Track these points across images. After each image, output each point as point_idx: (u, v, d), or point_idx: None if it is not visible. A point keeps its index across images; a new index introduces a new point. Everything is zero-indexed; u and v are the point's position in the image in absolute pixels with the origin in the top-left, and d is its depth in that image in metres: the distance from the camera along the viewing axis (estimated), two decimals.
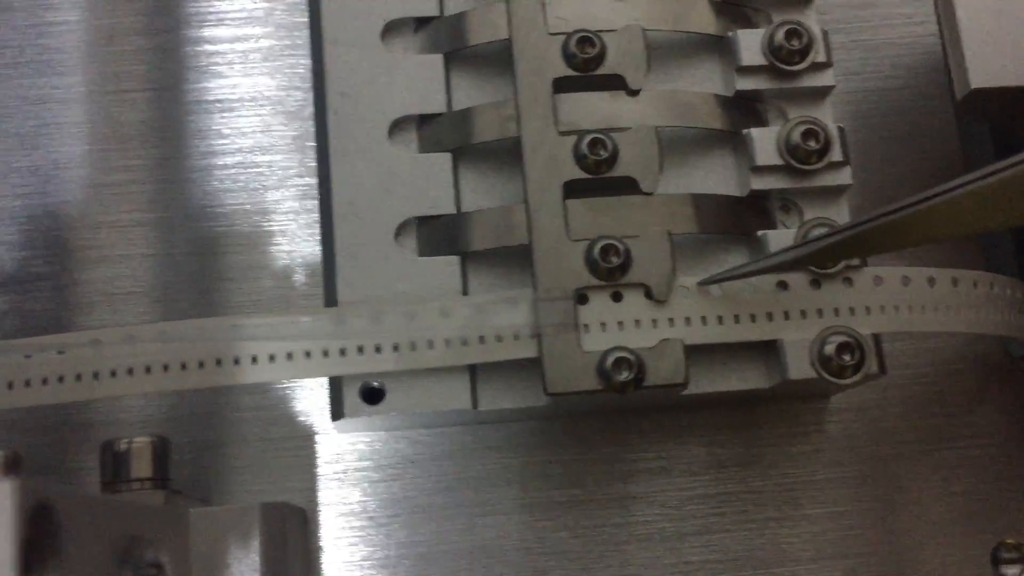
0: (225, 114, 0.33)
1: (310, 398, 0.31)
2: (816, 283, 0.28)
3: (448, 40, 0.30)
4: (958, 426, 0.32)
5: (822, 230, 0.28)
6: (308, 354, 0.27)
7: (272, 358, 0.27)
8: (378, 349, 0.27)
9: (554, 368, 0.27)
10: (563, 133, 0.28)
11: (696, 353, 0.28)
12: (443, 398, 0.28)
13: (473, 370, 0.28)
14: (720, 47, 0.30)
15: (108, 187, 0.32)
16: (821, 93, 0.30)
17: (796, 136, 0.28)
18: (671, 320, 0.28)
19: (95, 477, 0.28)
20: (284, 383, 0.31)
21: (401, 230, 0.28)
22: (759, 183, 0.29)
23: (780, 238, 0.29)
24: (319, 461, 0.31)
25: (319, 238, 0.32)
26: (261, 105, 0.33)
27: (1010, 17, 0.30)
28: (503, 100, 0.29)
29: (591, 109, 0.28)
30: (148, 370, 0.27)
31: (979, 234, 0.28)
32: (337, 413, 0.28)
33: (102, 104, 0.33)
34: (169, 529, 0.23)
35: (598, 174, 0.28)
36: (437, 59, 0.29)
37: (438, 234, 0.29)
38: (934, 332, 0.32)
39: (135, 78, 0.33)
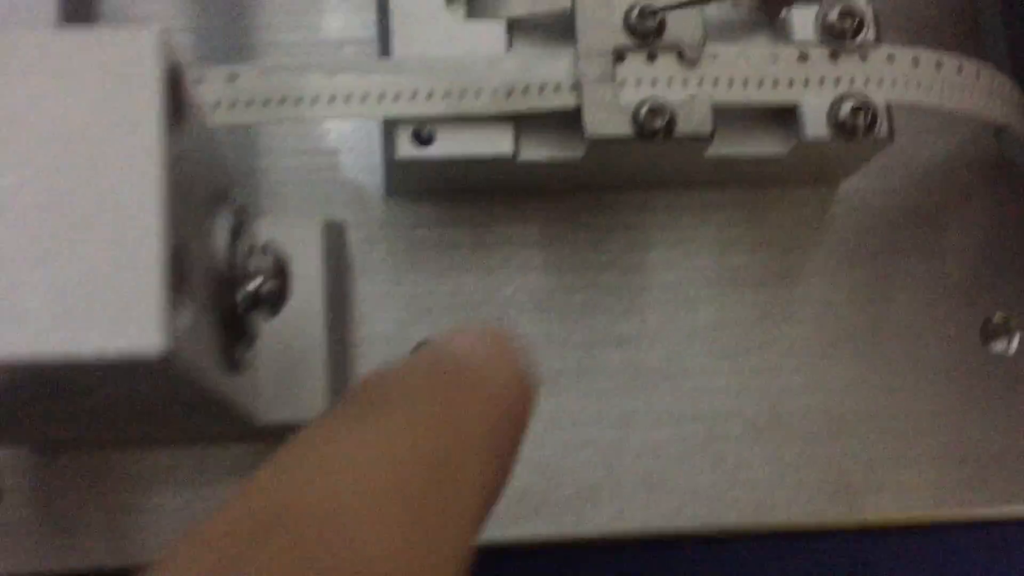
0: None
1: (351, 163, 0.33)
2: (834, 55, 0.31)
3: None
4: (952, 216, 0.35)
5: (840, 5, 0.31)
6: (364, 97, 0.29)
7: (332, 99, 0.29)
8: (430, 95, 0.30)
9: (592, 115, 0.29)
10: None
11: (721, 118, 0.30)
12: (488, 144, 0.30)
13: (517, 121, 0.30)
14: None
15: None
16: None
17: None
18: (700, 80, 0.30)
19: None
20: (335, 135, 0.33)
21: None
22: None
23: (801, 17, 0.31)
24: (362, 222, 0.33)
25: (368, 20, 0.34)
26: None
27: None
28: None
29: None
30: (217, 104, 0.29)
31: None
32: (391, 154, 0.30)
33: None
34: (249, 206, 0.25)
35: None
36: None
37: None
38: (931, 133, 0.35)
39: None
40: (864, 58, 0.31)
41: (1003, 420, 0.33)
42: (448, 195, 0.33)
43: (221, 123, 0.29)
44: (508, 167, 0.31)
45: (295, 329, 0.27)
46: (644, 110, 0.29)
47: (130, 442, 0.31)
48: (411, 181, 0.32)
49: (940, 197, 0.35)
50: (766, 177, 0.34)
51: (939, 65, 0.31)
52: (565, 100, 0.30)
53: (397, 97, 0.30)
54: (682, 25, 0.30)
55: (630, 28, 0.30)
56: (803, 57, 0.31)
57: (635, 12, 0.30)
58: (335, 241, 0.29)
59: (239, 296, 0.22)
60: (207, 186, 0.21)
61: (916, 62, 0.31)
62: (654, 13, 0.30)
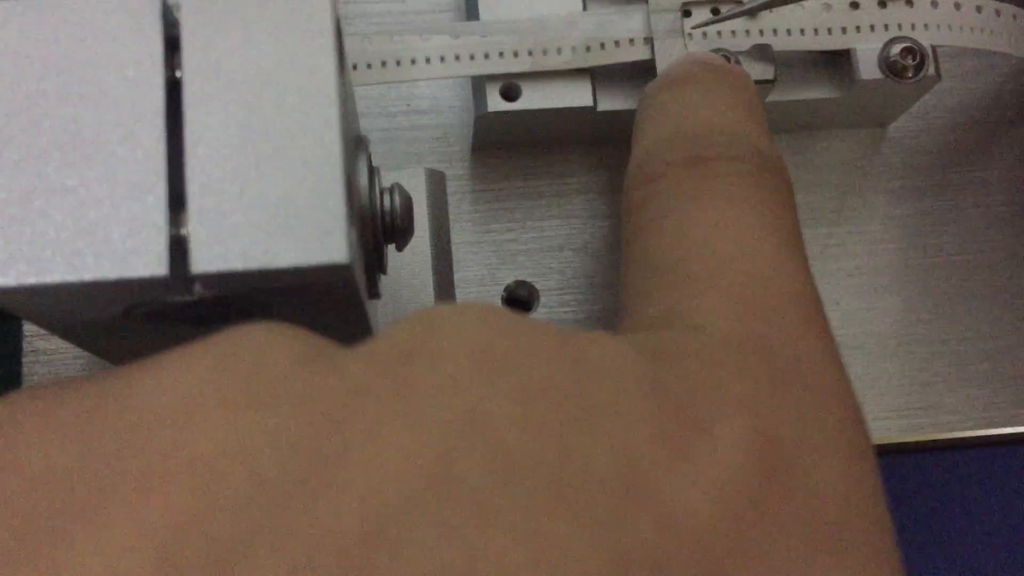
0: None
1: (437, 125, 0.36)
2: (883, 3, 0.33)
3: None
4: (995, 151, 0.37)
5: None
6: (457, 57, 0.32)
7: (428, 60, 0.32)
8: (515, 54, 0.33)
9: (664, 66, 0.32)
10: None
11: (780, 66, 0.33)
12: (569, 97, 0.33)
13: (593, 75, 0.33)
14: None
15: None
16: None
17: None
18: (761, 31, 0.33)
19: None
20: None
21: None
22: None
23: None
24: (453, 174, 0.36)
25: None
26: None
27: None
28: None
29: None
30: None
31: None
32: (481, 107, 0.33)
33: None
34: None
35: None
36: None
37: None
38: (973, 73, 0.38)
39: None
40: (910, 4, 0.33)
41: None
42: (528, 147, 0.36)
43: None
44: (586, 117, 0.34)
45: (408, 265, 0.30)
46: None
47: None
48: (497, 134, 0.35)
49: (983, 133, 0.38)
50: (819, 120, 0.36)
51: (979, 8, 0.34)
52: (639, 53, 0.33)
53: (487, 56, 0.32)
54: None
55: None
56: (854, 5, 0.33)
57: None
58: (437, 187, 0.32)
59: (378, 228, 0.25)
60: (351, 131, 0.24)
61: (958, 6, 0.34)
62: None
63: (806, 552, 0.16)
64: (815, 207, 0.37)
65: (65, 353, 0.34)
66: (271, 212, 0.19)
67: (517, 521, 0.15)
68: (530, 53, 0.33)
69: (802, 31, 0.33)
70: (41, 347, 0.34)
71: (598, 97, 0.33)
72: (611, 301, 0.35)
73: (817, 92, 0.34)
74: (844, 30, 0.33)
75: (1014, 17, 0.35)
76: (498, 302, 0.35)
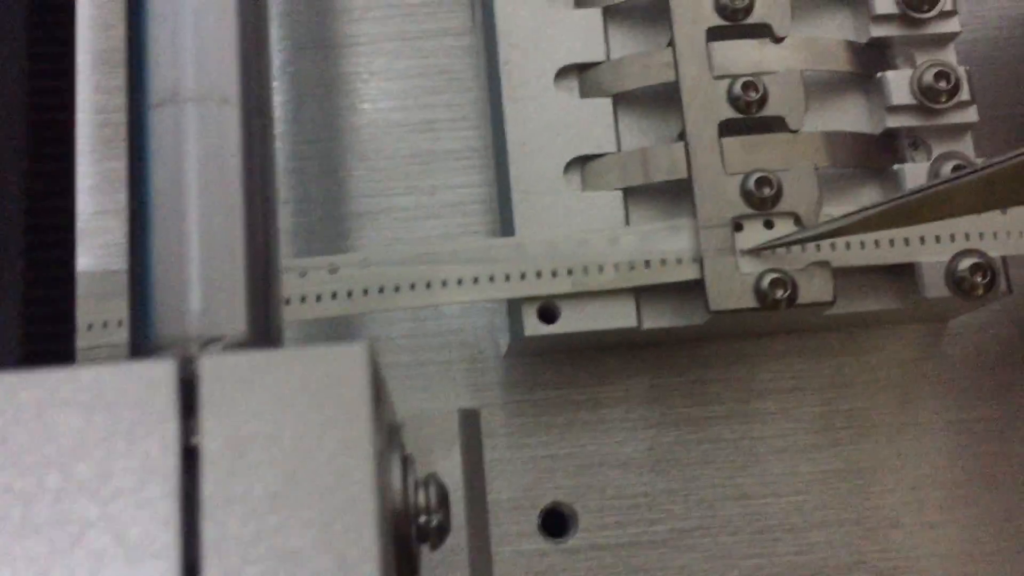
0: (388, 70, 0.36)
1: (469, 326, 0.34)
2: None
3: None
4: None
5: (952, 163, 0.31)
6: (491, 278, 0.30)
7: (460, 282, 0.30)
8: (554, 274, 0.30)
9: (715, 288, 0.30)
10: (717, 77, 0.31)
11: (838, 276, 0.30)
12: (611, 317, 0.31)
13: (637, 292, 0.31)
14: None
15: (286, 137, 0.35)
16: (947, 39, 0.32)
17: (928, 77, 0.31)
18: (818, 246, 0.30)
19: None
20: (448, 310, 0.34)
21: (568, 168, 0.31)
22: (893, 121, 0.32)
23: (913, 172, 0.31)
24: (482, 383, 0.34)
25: (478, 181, 0.35)
26: (421, 61, 0.36)
27: None
28: (660, 48, 0.32)
29: (742, 55, 0.31)
30: (349, 294, 0.30)
31: (1007, 207, 0.30)
32: (517, 332, 0.31)
33: (277, 60, 0.36)
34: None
35: (749, 114, 0.31)
36: (596, 12, 0.32)
37: (602, 171, 0.32)
38: None
39: (300, 34, 0.36)
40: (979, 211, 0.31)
41: None
42: (564, 353, 0.34)
43: (357, 311, 0.30)
44: (628, 332, 0.31)
45: None
46: (766, 281, 0.30)
47: None
48: (534, 348, 0.33)
49: None
50: (876, 319, 0.34)
51: None
52: (687, 273, 0.30)
53: (523, 277, 0.30)
54: (798, 189, 0.30)
55: (747, 196, 0.30)
56: None
57: (752, 180, 0.30)
58: (471, 430, 0.29)
59: (411, 533, 0.23)
60: (386, 430, 0.22)
61: None
62: (770, 181, 0.30)
63: None
64: (871, 413, 0.34)
65: None
66: None
67: None
68: (570, 272, 0.30)
69: (862, 244, 0.31)
70: None
71: (643, 315, 0.31)
72: (655, 524, 0.33)
73: (878, 304, 0.32)
74: (907, 242, 0.31)
75: None
76: (534, 529, 0.32)
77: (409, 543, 0.23)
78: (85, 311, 0.27)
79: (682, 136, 0.31)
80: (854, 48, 0.32)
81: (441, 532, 0.23)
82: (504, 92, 0.32)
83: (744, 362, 0.34)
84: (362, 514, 0.17)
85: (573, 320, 0.31)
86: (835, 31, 0.33)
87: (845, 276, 0.31)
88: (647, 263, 0.30)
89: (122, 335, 0.26)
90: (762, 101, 0.31)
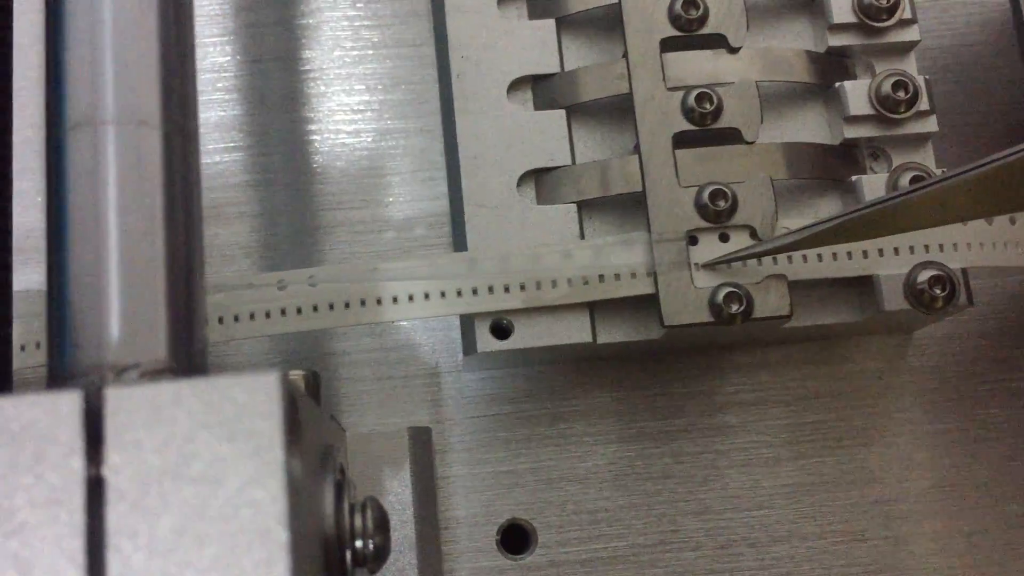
0: (344, 80, 0.35)
1: (429, 340, 0.34)
2: None
3: (559, 5, 0.32)
4: None
5: (911, 174, 0.31)
6: (443, 294, 0.30)
7: (411, 298, 0.30)
8: (507, 289, 0.30)
9: (669, 303, 0.29)
10: (671, 89, 0.30)
11: (796, 289, 0.30)
12: (565, 332, 0.30)
13: (592, 307, 0.30)
14: (811, 7, 0.32)
15: (239, 150, 0.35)
16: (906, 48, 0.32)
17: (887, 87, 0.31)
18: (775, 259, 0.30)
19: None
20: (407, 324, 0.34)
21: (522, 181, 0.31)
22: (851, 132, 0.31)
23: (872, 183, 0.31)
24: (441, 397, 0.33)
25: (435, 193, 0.35)
26: (376, 72, 0.36)
27: None
28: (613, 60, 0.31)
29: (696, 66, 0.31)
30: (299, 311, 0.30)
31: (967, 221, 0.30)
32: (470, 348, 0.30)
33: (232, 73, 0.35)
34: (340, 443, 0.26)
35: (704, 126, 0.30)
36: (550, 23, 0.32)
37: (556, 184, 0.31)
38: (1014, 268, 0.35)
39: (259, 49, 0.36)
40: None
41: None
42: (522, 367, 0.33)
43: (307, 329, 0.30)
44: (585, 346, 0.31)
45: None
46: (721, 295, 0.29)
47: None
48: (491, 362, 0.33)
49: (1020, 338, 0.35)
50: (840, 331, 0.33)
51: (1012, 220, 0.31)
52: (641, 287, 0.30)
53: (475, 292, 0.30)
54: (753, 202, 0.30)
55: (702, 209, 0.30)
56: None
57: (707, 193, 0.30)
58: (422, 447, 0.29)
59: (346, 556, 0.22)
60: (315, 456, 0.21)
61: (990, 220, 0.31)
62: (725, 193, 0.30)
63: None
64: (836, 425, 0.34)
65: None
66: None
67: None
68: (523, 288, 0.30)
69: (819, 257, 0.30)
70: None
71: (598, 330, 0.31)
72: (616, 539, 0.32)
73: (837, 317, 0.31)
74: (865, 254, 0.30)
75: None
76: (492, 545, 0.32)
77: (344, 569, 0.22)
78: (20, 332, 0.27)
79: (637, 148, 0.30)
80: (812, 58, 0.32)
81: (379, 556, 0.23)
82: (456, 104, 0.31)
83: (706, 375, 0.34)
84: (273, 548, 0.17)
85: (526, 336, 0.30)
86: (792, 40, 0.33)
87: (803, 288, 0.31)
88: (601, 277, 0.30)
89: None
90: (717, 112, 0.30)
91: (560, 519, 0.33)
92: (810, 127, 0.32)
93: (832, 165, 0.31)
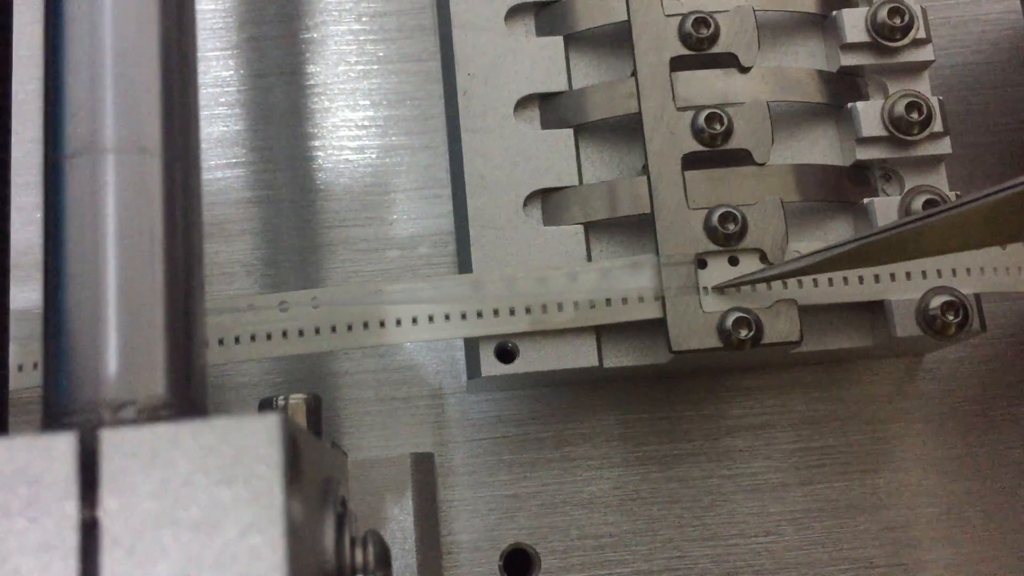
0: (349, 95, 0.35)
1: (432, 361, 0.33)
2: None
3: (567, 23, 0.31)
4: None
5: (924, 197, 0.30)
6: (448, 317, 0.29)
7: (415, 321, 0.29)
8: (512, 312, 0.29)
9: (677, 328, 0.29)
10: (681, 109, 0.30)
11: (806, 313, 0.30)
12: (572, 356, 0.30)
13: (598, 330, 0.30)
14: (824, 25, 0.32)
15: (242, 166, 0.34)
16: (920, 67, 0.31)
17: (900, 108, 0.30)
18: (785, 283, 0.29)
19: None
20: (410, 346, 0.33)
21: (528, 201, 0.31)
22: (863, 153, 0.31)
23: (884, 205, 0.30)
24: (444, 419, 0.33)
25: (440, 211, 0.34)
26: (382, 87, 0.35)
27: None
28: (622, 79, 0.31)
29: (707, 86, 0.30)
30: (300, 333, 0.29)
31: (981, 248, 0.29)
32: (474, 372, 0.30)
33: (235, 88, 0.35)
34: (342, 473, 0.25)
35: (714, 146, 0.30)
36: (558, 41, 0.31)
37: (563, 205, 0.31)
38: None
39: (263, 63, 0.35)
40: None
41: None
42: (527, 389, 0.33)
43: (309, 351, 0.29)
44: (590, 369, 0.30)
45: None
46: (730, 320, 0.29)
47: None
48: (496, 384, 0.32)
49: None
50: (850, 354, 0.33)
51: None
52: (649, 312, 0.29)
53: (480, 315, 0.29)
54: (764, 224, 0.29)
55: (711, 232, 0.29)
56: None
57: (716, 215, 0.29)
58: (424, 475, 0.29)
59: None
60: (316, 491, 0.21)
61: (1003, 245, 0.31)
62: (735, 216, 0.29)
63: None
64: (845, 450, 0.33)
65: None
66: None
67: None
68: (528, 311, 0.29)
69: (830, 281, 0.30)
70: None
71: (604, 354, 0.30)
72: (620, 565, 0.32)
73: (847, 342, 0.31)
74: (877, 278, 0.30)
75: None
76: (495, 571, 0.32)
77: None
78: (18, 352, 0.27)
79: (646, 169, 0.30)
80: (824, 78, 0.31)
81: None
82: (462, 123, 0.31)
83: (713, 398, 0.33)
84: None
85: (532, 360, 0.30)
86: (804, 60, 0.32)
87: (813, 313, 0.30)
88: (608, 301, 0.29)
89: None
90: (727, 133, 0.30)
91: (564, 544, 0.32)
92: (821, 148, 0.32)
93: (843, 187, 0.31)
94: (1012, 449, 0.33)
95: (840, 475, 0.33)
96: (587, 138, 0.31)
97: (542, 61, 0.31)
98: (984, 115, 0.36)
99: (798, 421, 0.33)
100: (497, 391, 0.33)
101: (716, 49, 0.30)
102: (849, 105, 0.31)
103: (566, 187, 0.31)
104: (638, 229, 0.31)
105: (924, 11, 0.31)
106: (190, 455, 0.17)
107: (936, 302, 0.29)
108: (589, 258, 0.30)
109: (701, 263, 0.29)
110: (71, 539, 0.16)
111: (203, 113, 0.34)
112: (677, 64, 0.30)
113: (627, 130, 0.31)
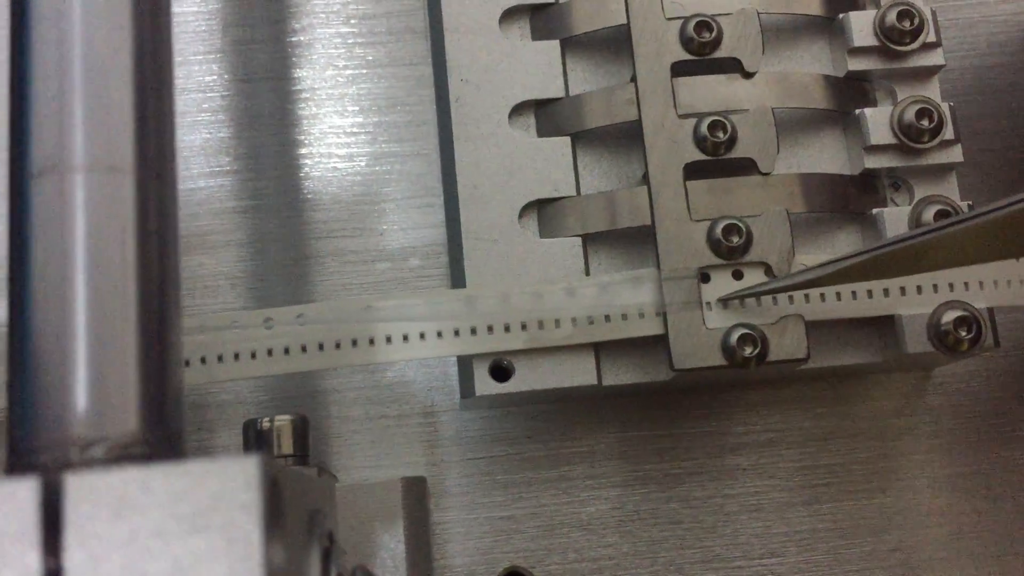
0: (338, 100, 0.34)
1: (424, 378, 0.32)
2: None
3: (564, 26, 0.30)
4: None
5: (936, 208, 0.29)
6: (440, 334, 0.28)
7: (406, 338, 0.28)
8: (507, 328, 0.28)
9: (680, 345, 0.28)
10: (683, 116, 0.29)
11: (814, 328, 0.28)
12: (569, 375, 0.29)
13: (597, 347, 0.29)
14: (831, 29, 0.31)
15: (226, 175, 0.33)
16: (930, 72, 0.30)
17: (909, 115, 0.29)
18: (791, 297, 0.28)
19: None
20: (400, 363, 0.32)
21: (524, 212, 0.29)
22: (872, 162, 0.29)
23: (893, 216, 0.29)
24: (437, 437, 0.32)
25: (432, 221, 0.33)
26: (372, 92, 0.34)
27: None
28: (622, 84, 0.30)
29: (709, 92, 0.29)
30: (286, 351, 0.28)
31: (996, 261, 0.28)
32: (467, 391, 0.29)
33: (219, 93, 0.34)
34: (329, 502, 0.24)
35: (717, 155, 0.29)
36: (554, 45, 0.30)
37: (560, 216, 0.29)
38: None
39: (249, 67, 0.34)
40: None
41: None
42: (524, 406, 0.32)
43: (295, 371, 0.28)
44: (589, 387, 0.29)
45: None
46: (735, 337, 0.27)
47: None
48: (491, 401, 0.31)
49: None
50: (857, 369, 0.32)
51: None
52: (650, 328, 0.28)
53: (474, 332, 0.28)
54: (769, 237, 0.28)
55: (714, 245, 0.28)
56: None
57: (720, 227, 0.28)
58: (416, 500, 0.27)
59: None
60: (299, 529, 0.20)
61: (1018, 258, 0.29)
62: (739, 228, 0.28)
63: None
64: (852, 468, 0.32)
65: None
66: None
67: None
68: (524, 327, 0.28)
69: (838, 296, 0.29)
70: None
71: (603, 371, 0.29)
72: None
73: (856, 358, 0.30)
74: (886, 292, 0.29)
75: None
76: None
77: None
78: None
79: (646, 179, 0.29)
80: (831, 83, 0.30)
81: None
82: (455, 130, 0.29)
83: (716, 414, 0.32)
84: None
85: (528, 378, 0.28)
86: (810, 64, 0.31)
87: (820, 328, 0.29)
88: (607, 317, 0.28)
89: None
90: (731, 142, 0.29)
91: (562, 567, 0.31)
92: (828, 156, 0.30)
93: (851, 197, 0.30)
94: (1023, 467, 0.32)
95: (846, 494, 0.32)
96: (585, 146, 0.30)
97: (538, 66, 0.30)
98: (995, 120, 0.35)
99: (803, 438, 0.32)
100: (492, 409, 0.32)
101: (719, 54, 0.29)
102: (857, 112, 0.30)
103: (563, 198, 0.29)
104: (638, 242, 0.29)
105: (934, 13, 0.30)
106: (161, 501, 0.15)
107: (948, 317, 0.28)
108: (587, 272, 0.29)
109: (704, 277, 0.28)
110: None
111: (186, 120, 0.33)
112: (678, 69, 0.29)
113: (627, 138, 0.30)
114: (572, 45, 0.31)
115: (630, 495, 0.32)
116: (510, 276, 0.29)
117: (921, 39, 0.30)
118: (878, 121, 0.29)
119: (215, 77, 0.34)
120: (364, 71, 0.34)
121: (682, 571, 0.31)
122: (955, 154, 0.30)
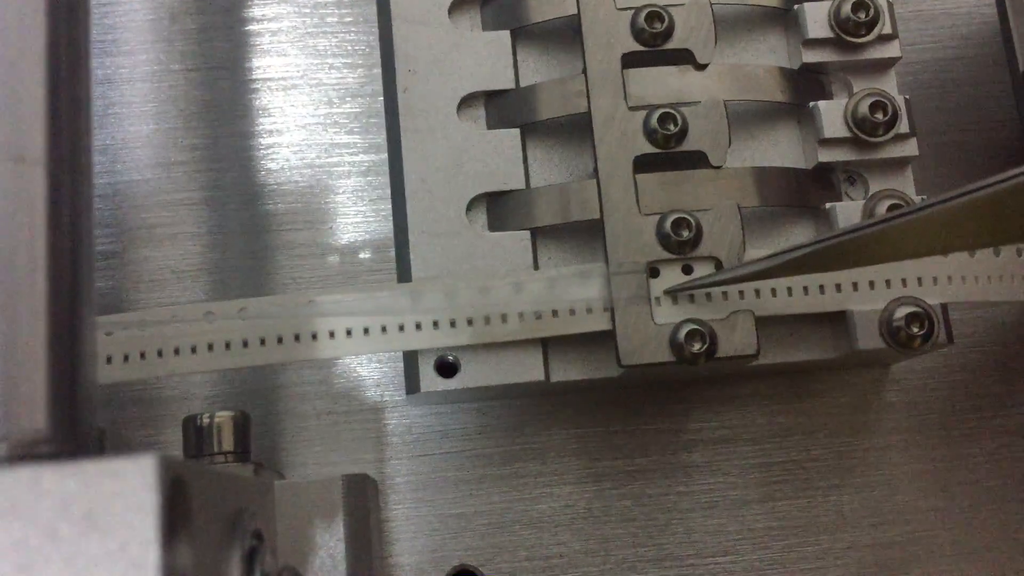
0: (289, 91, 0.33)
1: (374, 373, 0.32)
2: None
3: (515, 16, 0.30)
4: (1016, 393, 0.32)
5: (889, 202, 0.29)
6: (384, 329, 0.28)
7: (349, 333, 0.28)
8: (453, 324, 0.28)
9: (627, 341, 0.27)
10: (633, 108, 0.28)
11: (765, 324, 0.28)
12: (516, 371, 0.28)
13: (545, 343, 0.28)
14: (785, 20, 0.30)
15: (174, 166, 0.33)
16: (886, 65, 0.30)
17: (864, 108, 0.29)
18: (741, 292, 0.28)
19: (171, 451, 0.29)
20: (351, 357, 0.32)
21: (472, 206, 0.29)
22: (826, 155, 0.29)
23: (847, 210, 0.29)
24: (387, 433, 0.31)
25: (384, 215, 0.32)
26: (323, 83, 0.33)
27: None
28: (572, 76, 0.29)
29: (660, 84, 0.29)
30: (228, 346, 0.27)
31: (945, 254, 0.27)
32: (413, 387, 0.28)
33: (167, 83, 0.33)
34: (261, 500, 0.24)
35: (667, 148, 0.28)
36: (504, 35, 0.30)
37: (508, 209, 0.29)
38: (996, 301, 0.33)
39: (198, 57, 0.33)
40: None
41: None
42: (474, 402, 0.31)
43: (235, 366, 0.27)
44: (537, 384, 0.29)
45: None
46: (683, 333, 0.27)
47: None
48: (437, 398, 0.30)
49: (998, 370, 0.33)
50: (813, 365, 0.31)
51: (997, 251, 0.29)
52: (597, 323, 0.28)
53: (418, 327, 0.28)
54: (719, 231, 0.28)
55: (663, 239, 0.28)
56: None
57: (669, 221, 0.28)
58: (357, 496, 0.27)
59: None
60: (218, 529, 0.19)
61: (972, 251, 0.29)
62: (689, 222, 0.28)
63: None
64: (808, 465, 0.32)
65: None
66: None
67: None
68: (470, 323, 0.28)
69: (789, 291, 0.28)
70: None
71: (552, 367, 0.29)
72: None
73: (808, 355, 0.29)
74: (838, 288, 0.28)
75: None
76: None
77: None
78: None
79: (596, 172, 0.28)
80: (785, 75, 0.30)
81: None
82: (402, 122, 0.29)
83: (670, 410, 0.32)
84: None
85: (475, 374, 0.28)
86: (764, 56, 0.30)
87: (772, 324, 0.29)
88: (555, 312, 0.28)
89: None
90: (682, 134, 0.28)
91: (512, 566, 0.31)
92: (782, 150, 0.30)
93: (805, 191, 0.29)
94: (983, 464, 0.32)
95: (802, 491, 0.31)
96: (535, 139, 0.30)
97: (488, 57, 0.29)
98: (955, 113, 0.34)
99: (759, 435, 0.32)
100: (440, 405, 0.31)
101: (671, 45, 0.29)
102: (811, 105, 0.29)
103: (512, 191, 0.29)
104: (589, 236, 0.29)
105: (891, 5, 0.30)
106: (53, 503, 0.15)
107: (900, 313, 0.28)
108: (536, 266, 0.29)
109: (653, 272, 0.28)
110: None
111: (131, 110, 0.32)
112: (629, 61, 0.29)
113: (578, 130, 0.29)
114: (523, 36, 0.30)
115: (582, 492, 0.31)
116: (457, 270, 0.28)
117: (876, 31, 0.29)
118: (832, 114, 0.29)
119: (161, 67, 0.33)
120: (316, 61, 0.33)
121: (634, 569, 0.31)
122: (910, 148, 0.29)
